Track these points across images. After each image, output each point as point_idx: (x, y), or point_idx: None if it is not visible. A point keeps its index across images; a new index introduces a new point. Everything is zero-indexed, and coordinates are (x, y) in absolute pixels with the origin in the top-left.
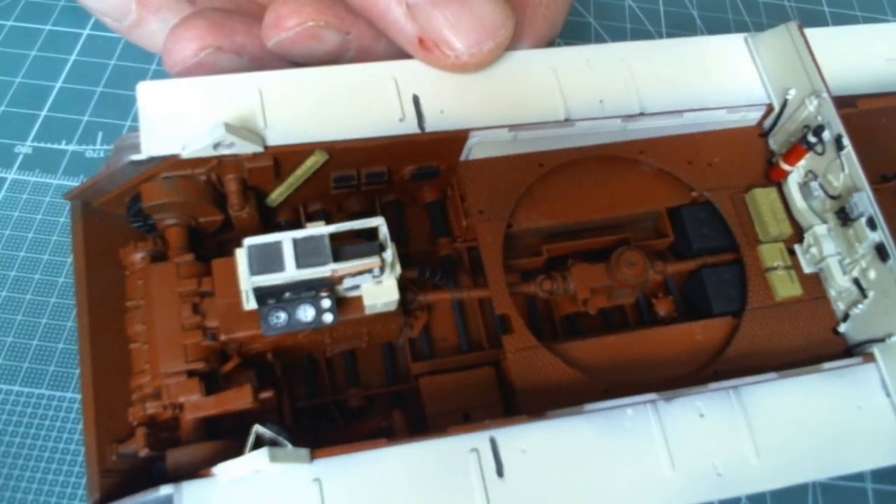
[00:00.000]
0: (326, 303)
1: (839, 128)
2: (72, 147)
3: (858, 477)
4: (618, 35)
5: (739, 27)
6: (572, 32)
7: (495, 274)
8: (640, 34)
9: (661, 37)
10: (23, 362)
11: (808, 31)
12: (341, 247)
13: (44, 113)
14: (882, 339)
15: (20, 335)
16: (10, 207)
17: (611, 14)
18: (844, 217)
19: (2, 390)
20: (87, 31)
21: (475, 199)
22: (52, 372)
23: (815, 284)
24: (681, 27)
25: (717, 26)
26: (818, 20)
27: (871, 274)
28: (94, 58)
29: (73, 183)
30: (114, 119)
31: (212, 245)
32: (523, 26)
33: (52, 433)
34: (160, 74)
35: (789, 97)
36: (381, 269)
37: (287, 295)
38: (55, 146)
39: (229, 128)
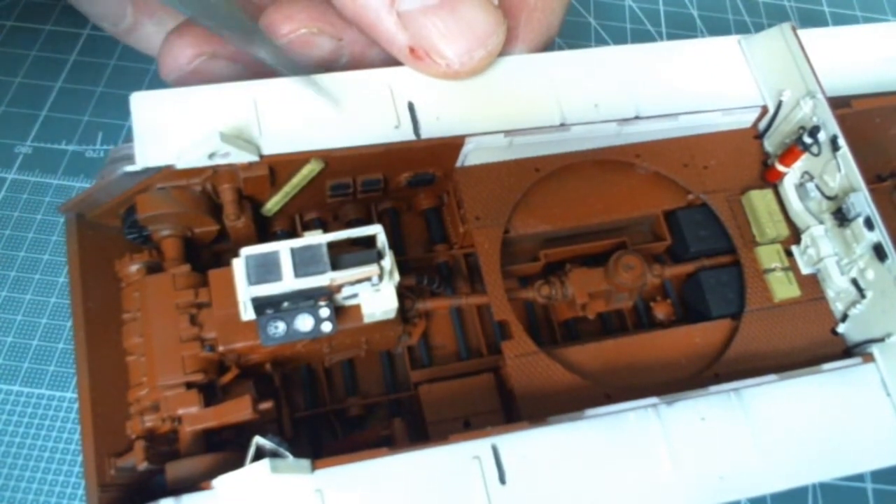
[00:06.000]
0: (325, 312)
1: (834, 128)
2: (72, 147)
3: (858, 477)
4: (618, 35)
5: (739, 27)
6: (572, 33)
7: (493, 280)
8: (640, 34)
9: (661, 37)
10: (23, 362)
11: (802, 32)
12: (339, 255)
13: (44, 113)
14: (881, 339)
15: (20, 335)
16: (10, 207)
17: (611, 14)
18: (841, 217)
19: (2, 390)
20: (86, 32)
21: (472, 206)
22: (52, 372)
23: (813, 285)
24: (681, 27)
25: (717, 26)
26: (818, 20)
27: (869, 274)
28: (94, 58)
29: (73, 183)
30: (114, 119)
31: (207, 256)
32: (518, 31)
33: (52, 433)
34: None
35: (784, 99)
36: (380, 277)
37: (285, 304)
38: (55, 146)
39: (224, 137)
